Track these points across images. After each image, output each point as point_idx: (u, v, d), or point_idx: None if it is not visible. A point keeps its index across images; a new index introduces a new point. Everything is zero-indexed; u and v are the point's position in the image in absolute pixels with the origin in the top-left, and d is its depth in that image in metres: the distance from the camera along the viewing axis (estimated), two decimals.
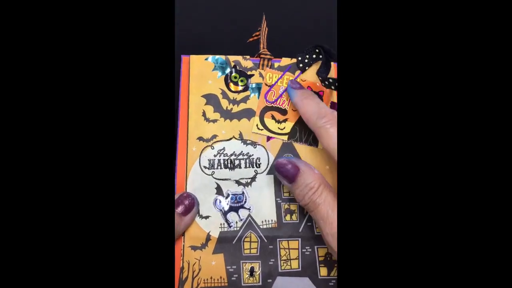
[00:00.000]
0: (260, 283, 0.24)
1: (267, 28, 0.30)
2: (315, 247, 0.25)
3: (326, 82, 0.26)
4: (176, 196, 0.24)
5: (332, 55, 0.26)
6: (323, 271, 0.25)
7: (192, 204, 0.24)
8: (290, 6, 0.33)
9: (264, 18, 0.29)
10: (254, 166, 0.27)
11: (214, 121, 0.27)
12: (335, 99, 0.28)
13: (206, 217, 0.25)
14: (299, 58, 0.28)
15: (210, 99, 0.27)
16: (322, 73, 0.26)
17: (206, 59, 0.28)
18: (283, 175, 0.23)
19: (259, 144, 0.27)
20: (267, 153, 0.27)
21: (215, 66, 0.28)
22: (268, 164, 0.27)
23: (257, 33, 0.29)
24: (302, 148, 0.27)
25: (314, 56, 0.28)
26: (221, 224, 0.25)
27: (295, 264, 0.25)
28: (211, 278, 0.24)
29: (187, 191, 0.25)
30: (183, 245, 0.25)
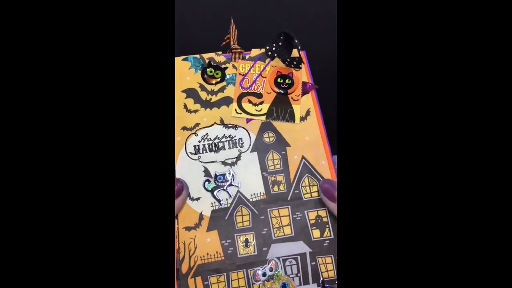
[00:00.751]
0: (256, 253, 0.25)
1: (236, 30, 0.33)
2: (305, 211, 0.26)
3: (287, 62, 0.28)
4: None
5: (292, 39, 0.29)
6: (316, 233, 0.26)
7: (181, 188, 0.25)
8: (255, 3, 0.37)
9: (232, 22, 0.33)
10: (238, 146, 0.28)
11: (195, 111, 0.29)
12: (304, 79, 0.31)
13: (197, 199, 0.26)
14: (267, 47, 0.31)
15: (190, 93, 0.30)
16: (283, 54, 0.29)
17: (183, 59, 0.31)
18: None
19: (239, 126, 0.29)
20: (248, 133, 0.29)
21: (191, 64, 0.31)
22: (250, 143, 0.28)
23: (228, 35, 0.33)
24: (280, 125, 0.29)
25: (280, 43, 0.31)
26: (212, 203, 0.26)
27: (287, 230, 0.26)
28: (207, 254, 0.25)
29: (176, 176, 0.27)
30: (177, 228, 0.26)
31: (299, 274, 0.25)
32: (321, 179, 0.27)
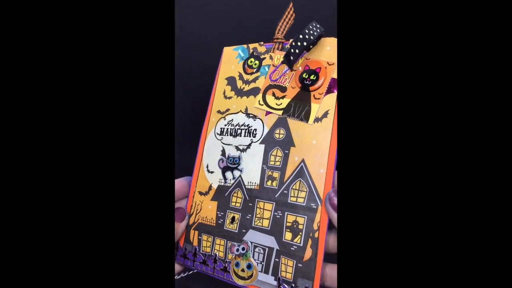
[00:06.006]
0: (237, 231, 0.29)
1: (292, 18, 0.32)
2: (286, 213, 0.27)
3: (286, 58, 0.27)
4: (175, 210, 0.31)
5: (311, 34, 0.27)
6: (287, 236, 0.27)
7: (185, 214, 0.31)
8: None
9: (291, 7, 0.32)
10: (251, 135, 0.31)
11: (230, 98, 0.33)
12: (335, 75, 0.28)
13: (211, 172, 0.32)
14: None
15: (230, 80, 0.34)
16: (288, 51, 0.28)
17: (234, 49, 0.35)
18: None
19: (258, 118, 0.31)
20: (263, 125, 0.31)
21: (238, 54, 0.34)
22: (262, 134, 0.30)
23: (281, 22, 0.33)
24: (293, 123, 0.29)
25: (316, 34, 0.29)
26: (220, 179, 0.32)
27: (266, 223, 0.28)
28: (206, 217, 0.31)
29: (204, 154, 0.33)
30: (195, 189, 0.33)
31: (262, 263, 0.27)
32: (312, 187, 0.26)
